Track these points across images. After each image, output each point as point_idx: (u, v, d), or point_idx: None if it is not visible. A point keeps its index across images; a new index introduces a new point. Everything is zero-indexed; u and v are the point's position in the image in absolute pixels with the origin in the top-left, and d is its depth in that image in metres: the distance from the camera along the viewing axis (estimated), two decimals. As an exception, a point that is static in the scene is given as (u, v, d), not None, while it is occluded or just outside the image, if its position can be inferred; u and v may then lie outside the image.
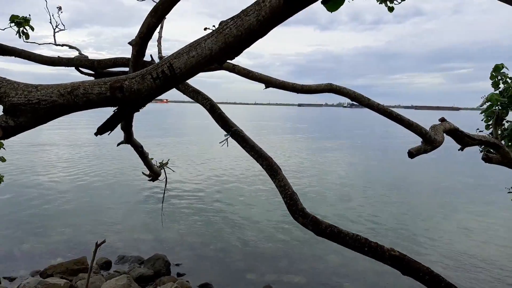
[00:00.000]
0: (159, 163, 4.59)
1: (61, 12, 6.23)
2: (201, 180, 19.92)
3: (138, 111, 2.54)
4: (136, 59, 3.44)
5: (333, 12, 2.18)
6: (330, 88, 3.41)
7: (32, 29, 5.45)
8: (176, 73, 2.25)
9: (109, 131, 2.51)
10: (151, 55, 3.54)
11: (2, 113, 2.06)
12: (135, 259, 9.85)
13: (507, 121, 6.82)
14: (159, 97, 2.58)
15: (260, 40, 2.40)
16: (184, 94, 3.19)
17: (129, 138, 3.71)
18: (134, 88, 2.27)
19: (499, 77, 7.51)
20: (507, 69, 7.52)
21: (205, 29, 2.84)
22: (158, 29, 4.54)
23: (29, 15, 5.30)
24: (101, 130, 2.54)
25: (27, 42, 5.24)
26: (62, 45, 4.96)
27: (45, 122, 2.27)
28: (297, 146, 39.35)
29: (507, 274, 9.82)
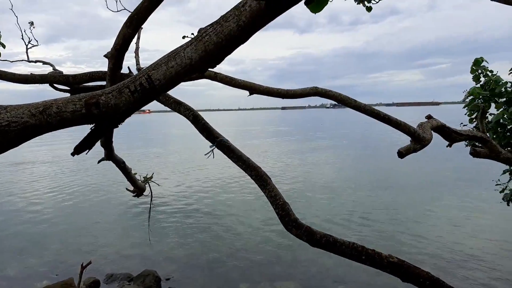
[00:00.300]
0: (143, 177, 4.44)
1: (33, 28, 6.04)
2: (187, 191, 19.66)
3: (117, 126, 2.42)
4: (113, 72, 3.31)
5: (311, 14, 2.10)
6: (315, 92, 3.33)
7: (3, 46, 5.25)
8: (155, 85, 2.13)
9: (87, 150, 2.37)
10: (128, 67, 3.42)
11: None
12: (124, 276, 9.60)
13: (490, 114, 6.89)
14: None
15: (240, 46, 2.31)
16: (165, 105, 3.07)
17: (110, 155, 3.56)
18: (111, 103, 2.14)
19: (480, 71, 7.61)
20: (487, 62, 7.63)
21: (184, 37, 2.73)
22: (135, 40, 4.40)
23: (-1, 32, 5.11)
24: (78, 150, 2.40)
25: (-1, 60, 5.05)
26: (36, 62, 4.78)
27: (17, 145, 2.12)
28: (280, 149, 39.36)
29: (497, 269, 9.90)
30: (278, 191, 2.36)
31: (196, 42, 2.06)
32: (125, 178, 4.07)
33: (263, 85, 3.35)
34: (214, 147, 2.64)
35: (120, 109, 2.14)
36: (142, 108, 2.85)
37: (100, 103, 2.11)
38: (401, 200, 16.94)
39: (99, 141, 3.96)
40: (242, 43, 2.15)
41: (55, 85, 3.68)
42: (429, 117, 3.85)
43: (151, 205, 4.77)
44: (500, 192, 6.98)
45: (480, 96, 7.24)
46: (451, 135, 3.79)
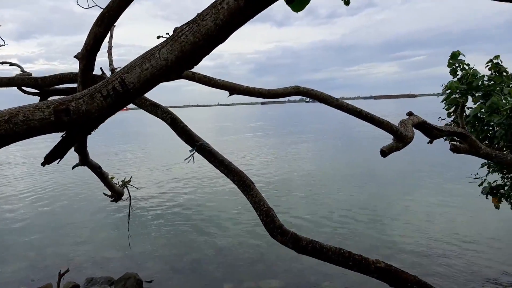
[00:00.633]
0: (121, 181, 4.29)
1: None
2: (167, 192, 19.38)
3: (90, 133, 2.28)
4: (84, 74, 3.16)
5: (288, 7, 2.03)
6: (297, 91, 3.26)
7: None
8: (129, 88, 2.01)
9: (59, 159, 2.24)
10: (101, 68, 3.26)
11: None
12: (105, 280, 9.38)
13: (468, 108, 6.99)
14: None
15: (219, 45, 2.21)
16: (141, 108, 2.94)
17: (84, 160, 3.41)
18: (82, 109, 2.01)
19: (457, 65, 7.71)
20: (464, 56, 7.73)
21: (159, 37, 2.61)
22: (107, 39, 4.22)
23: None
24: (49, 159, 2.26)
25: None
26: (2, 63, 4.54)
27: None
28: (257, 145, 39.35)
29: (475, 264, 10.11)
30: (262, 197, 2.28)
31: (172, 42, 1.94)
32: (102, 182, 3.92)
33: (244, 85, 3.26)
34: (194, 151, 2.54)
35: (92, 115, 2.01)
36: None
37: (70, 110, 1.98)
38: (380, 196, 17.13)
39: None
40: (221, 43, 2.05)
41: (23, 88, 3.50)
42: (410, 113, 3.83)
43: (130, 209, 4.63)
44: (479, 185, 7.10)
45: (458, 90, 7.34)
46: (432, 132, 3.78)
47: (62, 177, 23.42)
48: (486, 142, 6.42)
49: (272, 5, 1.99)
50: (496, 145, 6.03)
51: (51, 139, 2.13)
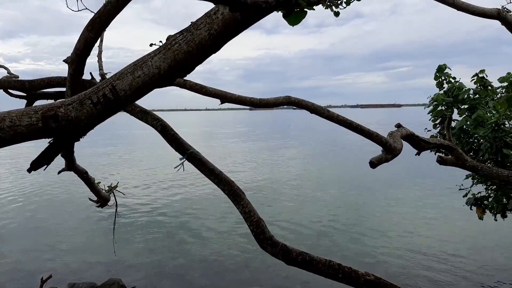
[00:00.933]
0: (108, 187, 4.22)
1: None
2: (154, 198, 19.16)
3: (79, 140, 2.24)
4: (73, 78, 3.11)
5: (277, 15, 2.04)
6: (288, 101, 3.27)
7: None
8: (120, 96, 1.97)
9: (46, 165, 2.19)
10: (91, 73, 3.22)
11: None
12: (88, 285, 9.20)
13: (454, 120, 7.10)
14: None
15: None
16: (131, 114, 2.90)
17: (71, 165, 3.35)
18: (71, 116, 1.96)
19: (443, 78, 7.84)
20: (450, 69, 7.87)
21: (151, 45, 2.58)
22: (97, 43, 4.17)
23: None
24: (35, 165, 2.21)
25: None
26: (-12, 64, 4.44)
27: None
28: (246, 150, 39.32)
29: (459, 274, 10.22)
30: (252, 207, 2.27)
31: (165, 50, 1.93)
32: (88, 188, 3.86)
33: (235, 94, 3.26)
34: (184, 159, 2.52)
35: (81, 122, 1.97)
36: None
37: (59, 116, 1.94)
38: (366, 205, 17.24)
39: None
40: (214, 52, 2.04)
41: (9, 90, 3.43)
42: (398, 125, 3.87)
43: (116, 216, 4.56)
44: (463, 196, 7.21)
45: (444, 102, 7.45)
46: (419, 144, 3.83)
47: (46, 181, 23.02)
48: (471, 154, 6.52)
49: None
50: (481, 157, 6.14)
51: (37, 141, 2.09)
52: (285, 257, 2.07)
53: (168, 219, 15.27)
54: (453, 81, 7.69)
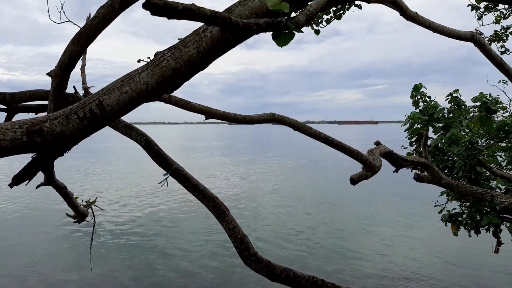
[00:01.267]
0: (86, 202, 4.15)
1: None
2: (132, 213, 18.83)
3: (63, 155, 2.22)
4: (56, 92, 3.08)
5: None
6: (272, 118, 3.33)
7: None
8: (107, 111, 1.98)
9: (28, 180, 2.16)
10: (74, 87, 3.20)
11: None
12: (61, 304, 8.91)
13: (429, 138, 7.32)
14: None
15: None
16: (114, 129, 2.89)
17: (50, 179, 3.29)
18: (56, 130, 1.95)
19: (419, 96, 8.10)
20: (425, 88, 8.14)
21: (139, 61, 2.60)
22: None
23: None
24: (17, 180, 2.17)
25: None
26: (-34, 74, 4.35)
27: None
28: (225, 164, 39.20)
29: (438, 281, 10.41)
30: (237, 223, 2.28)
31: (153, 66, 1.95)
32: (66, 203, 3.78)
33: (220, 110, 3.29)
34: (169, 175, 2.52)
35: (67, 137, 1.96)
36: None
37: (44, 131, 1.92)
38: (345, 220, 17.41)
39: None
40: (202, 70, 2.07)
41: (-11, 103, 3.36)
42: (377, 143, 3.97)
43: (94, 231, 4.47)
44: (439, 213, 7.38)
45: (419, 121, 7.68)
46: (398, 161, 3.93)
47: (20, 195, 22.28)
48: (446, 171, 6.72)
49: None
50: (455, 175, 6.33)
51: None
52: (269, 274, 2.08)
53: (145, 234, 15.01)
54: (428, 100, 7.95)
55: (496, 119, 8.42)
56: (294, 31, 1.89)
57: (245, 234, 2.23)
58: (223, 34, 1.93)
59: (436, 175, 4.17)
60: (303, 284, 2.06)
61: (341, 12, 9.36)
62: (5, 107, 3.34)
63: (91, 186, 24.95)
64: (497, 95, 7.73)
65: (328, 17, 9.23)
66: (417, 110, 8.00)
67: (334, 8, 9.10)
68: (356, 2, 8.24)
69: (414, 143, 7.65)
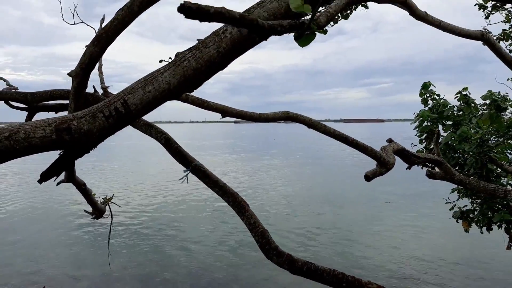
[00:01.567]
0: (103, 199, 4.24)
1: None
2: (148, 209, 18.94)
3: (89, 152, 2.30)
4: (77, 91, 3.16)
5: None
6: (287, 116, 3.38)
7: None
8: (131, 110, 2.05)
9: (56, 177, 2.23)
10: (93, 86, 3.28)
11: None
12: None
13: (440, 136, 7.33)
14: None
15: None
16: (134, 127, 2.96)
17: (71, 177, 3.37)
18: (84, 128, 2.02)
19: (428, 94, 8.10)
20: (434, 86, 8.14)
21: (161, 61, 2.66)
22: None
23: None
24: (45, 176, 2.25)
25: None
26: (-15, 75, 4.44)
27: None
28: (235, 164, 39.26)
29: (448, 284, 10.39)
30: (257, 218, 2.34)
31: (175, 66, 2.01)
32: (85, 200, 3.87)
33: (236, 108, 3.35)
34: (189, 172, 2.58)
35: (93, 135, 2.02)
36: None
37: (71, 129, 1.99)
38: (358, 216, 17.40)
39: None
40: (222, 69, 2.13)
41: (10, 102, 3.45)
42: (389, 140, 4.00)
43: (111, 227, 4.55)
44: (450, 209, 7.39)
45: (429, 119, 7.69)
46: (410, 158, 3.96)
47: (38, 192, 22.56)
48: (457, 168, 6.72)
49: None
50: (466, 172, 6.34)
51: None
52: (290, 267, 2.14)
53: (160, 230, 15.19)
54: (437, 98, 7.95)
55: (505, 117, 8.41)
56: (316, 32, 1.94)
57: (265, 228, 2.29)
58: (242, 35, 1.99)
59: (449, 172, 4.20)
60: (324, 277, 2.11)
61: (348, 12, 9.37)
62: (26, 106, 3.43)
63: (103, 184, 25.18)
64: (506, 93, 7.72)
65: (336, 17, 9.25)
66: (426, 108, 8.00)
67: (342, 7, 9.11)
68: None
69: (424, 140, 7.66)
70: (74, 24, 5.69)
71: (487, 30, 9.31)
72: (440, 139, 7.07)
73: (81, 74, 3.07)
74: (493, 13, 10.04)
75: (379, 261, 11.77)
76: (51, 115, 3.85)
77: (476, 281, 10.35)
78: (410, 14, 3.88)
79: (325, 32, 1.95)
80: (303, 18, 1.91)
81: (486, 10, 9.95)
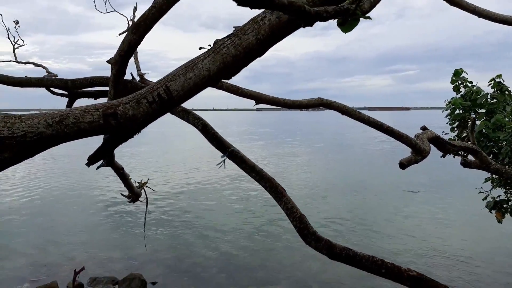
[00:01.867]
0: (138, 183, 4.37)
1: (19, 26, 5.85)
2: (180, 195, 19.26)
3: (133, 137, 2.38)
4: (116, 78, 3.25)
5: None
6: (320, 103, 3.38)
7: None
8: (173, 96, 2.11)
9: (102, 160, 2.33)
10: (131, 74, 3.36)
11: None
12: (109, 280, 9.38)
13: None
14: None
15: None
16: (172, 114, 3.03)
17: (110, 161, 3.49)
18: (129, 114, 2.10)
19: (459, 82, 7.88)
20: (466, 73, 7.91)
21: (200, 48, 2.70)
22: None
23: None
24: (92, 159, 2.35)
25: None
26: (25, 63, 4.62)
27: (32, 156, 2.06)
28: (263, 151, 39.33)
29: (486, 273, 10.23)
30: (294, 204, 2.37)
31: (214, 54, 2.05)
32: (122, 183, 3.99)
33: (269, 95, 3.37)
34: (226, 157, 2.63)
35: (138, 120, 2.09)
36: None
37: (118, 114, 2.06)
38: (388, 205, 17.23)
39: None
40: (260, 56, 2.16)
41: (51, 89, 3.58)
42: (423, 128, 3.95)
43: (147, 211, 4.70)
44: (483, 199, 7.23)
45: (461, 106, 7.49)
46: (445, 146, 3.90)
47: (72, 177, 23.32)
48: (491, 157, 6.55)
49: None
50: (501, 161, 6.17)
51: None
52: (329, 252, 2.16)
53: (190, 214, 15.48)
54: (470, 85, 7.72)
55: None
56: (360, 18, 1.93)
57: (303, 214, 2.32)
58: (280, 21, 2.01)
59: (485, 160, 4.11)
60: (363, 263, 2.13)
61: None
62: (66, 92, 3.54)
63: (138, 169, 25.64)
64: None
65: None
66: (458, 96, 7.79)
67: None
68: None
69: (455, 128, 7.49)
70: (107, 12, 5.80)
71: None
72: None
73: (120, 61, 3.15)
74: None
75: (415, 249, 11.65)
76: (90, 101, 3.97)
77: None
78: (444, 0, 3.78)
79: (369, 17, 1.93)
80: (343, 4, 1.90)
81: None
